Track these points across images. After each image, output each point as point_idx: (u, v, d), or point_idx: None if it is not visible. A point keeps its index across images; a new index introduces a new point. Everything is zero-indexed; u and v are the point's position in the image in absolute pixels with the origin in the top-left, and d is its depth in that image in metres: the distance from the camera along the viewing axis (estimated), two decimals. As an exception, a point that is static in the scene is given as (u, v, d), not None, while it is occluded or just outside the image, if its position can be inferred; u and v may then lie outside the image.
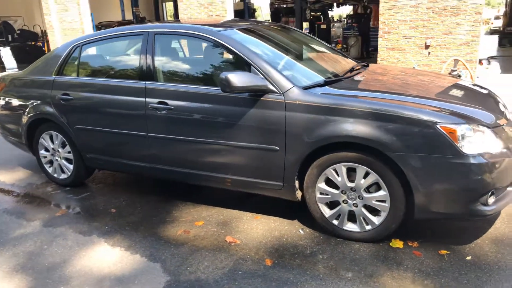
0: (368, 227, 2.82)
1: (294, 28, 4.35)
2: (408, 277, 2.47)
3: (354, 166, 2.72)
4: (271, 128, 2.87)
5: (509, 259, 2.60)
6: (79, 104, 3.68)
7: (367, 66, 3.83)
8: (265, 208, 3.44)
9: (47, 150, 4.13)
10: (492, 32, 27.85)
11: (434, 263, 2.60)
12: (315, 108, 2.75)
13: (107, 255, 2.86)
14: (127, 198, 3.80)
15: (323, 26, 16.91)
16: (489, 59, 13.50)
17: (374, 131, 2.58)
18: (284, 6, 18.61)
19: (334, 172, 2.80)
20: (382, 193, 2.70)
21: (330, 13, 22.67)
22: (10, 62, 15.06)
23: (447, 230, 2.99)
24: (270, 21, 16.84)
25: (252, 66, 2.97)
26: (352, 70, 3.53)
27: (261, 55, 3.05)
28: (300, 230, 3.07)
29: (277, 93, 2.86)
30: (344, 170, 2.76)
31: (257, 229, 3.12)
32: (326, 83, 3.03)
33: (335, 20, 21.55)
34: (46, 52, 17.81)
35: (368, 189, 2.76)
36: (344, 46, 15.41)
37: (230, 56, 3.19)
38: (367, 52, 15.23)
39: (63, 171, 4.09)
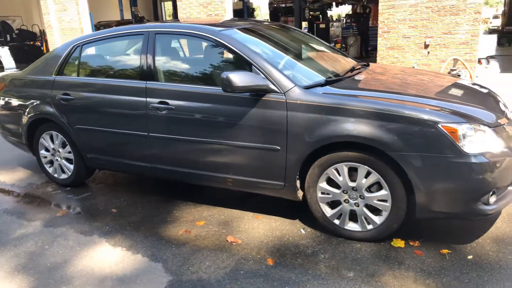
0: (370, 227, 2.82)
1: (294, 28, 4.35)
2: (410, 276, 2.48)
3: (355, 166, 2.73)
4: (272, 127, 2.87)
5: (510, 258, 2.61)
6: (79, 104, 3.67)
7: (368, 65, 3.83)
8: (266, 208, 3.44)
9: (47, 150, 4.12)
10: (491, 31, 27.88)
11: (435, 262, 2.60)
12: (317, 108, 2.75)
13: (108, 255, 2.86)
14: (128, 198, 3.80)
15: (322, 26, 16.93)
16: (488, 58, 13.52)
17: (376, 131, 2.59)
18: (283, 5, 18.61)
19: (335, 172, 2.80)
20: (383, 192, 2.70)
21: (329, 13, 22.68)
22: (9, 62, 15.04)
23: (448, 229, 2.99)
24: (269, 20, 16.84)
25: (253, 66, 2.97)
26: (352, 69, 3.53)
27: (262, 55, 3.05)
28: (302, 230, 3.07)
29: (278, 92, 2.86)
30: (345, 170, 2.76)
31: (259, 228, 3.12)
32: (327, 83, 3.03)
33: (334, 19, 21.56)
34: (45, 51, 17.82)
35: (369, 189, 2.76)
36: (343, 45, 15.42)
37: (231, 56, 3.18)
38: (366, 52, 15.25)
39: (63, 171, 4.09)
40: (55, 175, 4.14)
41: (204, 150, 3.18)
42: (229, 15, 11.07)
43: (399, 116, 2.56)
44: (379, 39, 9.22)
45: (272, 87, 2.87)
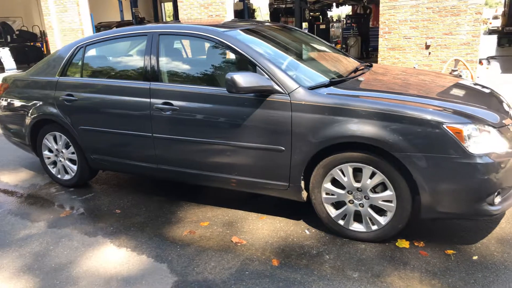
0: (374, 227, 2.83)
1: (296, 28, 4.35)
2: (415, 277, 2.48)
3: (360, 166, 2.73)
4: (276, 128, 2.88)
5: (515, 258, 2.61)
6: (83, 104, 3.68)
7: (371, 66, 3.84)
8: (270, 209, 3.45)
9: (50, 151, 4.13)
10: (491, 32, 27.89)
11: (440, 263, 2.61)
12: (321, 109, 2.76)
13: (113, 256, 2.86)
14: (132, 199, 3.80)
15: (322, 26, 16.94)
16: (489, 59, 13.53)
17: (381, 131, 2.59)
18: (283, 6, 18.62)
19: (340, 172, 2.81)
20: (388, 193, 2.70)
21: (329, 13, 22.71)
22: (9, 63, 15.04)
23: (453, 230, 3.00)
24: (269, 21, 16.85)
25: (257, 67, 2.97)
26: (356, 70, 3.54)
27: (266, 56, 3.05)
28: (306, 231, 3.07)
29: (282, 93, 2.87)
30: (350, 170, 2.77)
31: (263, 229, 3.12)
32: (331, 84, 3.04)
33: (334, 20, 21.57)
34: (45, 52, 17.84)
35: (374, 189, 2.77)
36: (344, 46, 15.43)
37: (235, 57, 3.19)
38: (367, 53, 15.26)
39: (66, 172, 4.09)
40: (59, 176, 4.14)
41: (208, 151, 3.18)
42: (230, 16, 11.08)
43: (404, 117, 2.56)
44: (380, 39, 9.22)
45: (277, 88, 2.88)
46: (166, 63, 3.42)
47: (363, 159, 2.70)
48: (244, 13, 16.40)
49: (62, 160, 4.06)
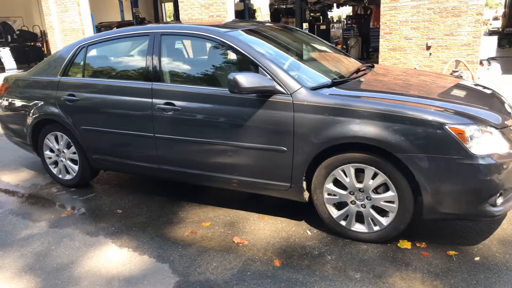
0: (376, 228, 2.83)
1: (297, 29, 4.36)
2: (417, 277, 2.48)
3: (362, 167, 2.73)
4: (279, 128, 2.88)
5: (517, 259, 2.61)
6: (84, 104, 3.68)
7: (373, 66, 3.84)
8: (272, 209, 3.44)
9: (52, 151, 4.13)
10: (491, 33, 27.91)
11: (442, 263, 2.61)
12: (323, 109, 2.76)
13: (115, 256, 2.86)
14: (133, 199, 3.80)
15: (323, 27, 16.95)
16: (489, 60, 13.54)
17: (383, 132, 2.59)
18: (284, 6, 18.64)
19: (342, 173, 2.81)
20: (390, 194, 2.70)
21: (330, 14, 22.72)
22: (10, 63, 15.05)
23: (454, 231, 3.00)
24: (270, 21, 16.86)
25: (259, 67, 2.97)
26: (358, 70, 3.54)
27: (268, 56, 3.06)
28: (308, 231, 3.07)
29: (285, 94, 2.87)
30: (352, 171, 2.77)
31: (265, 229, 3.12)
32: (333, 84, 3.03)
33: (335, 20, 21.58)
34: (46, 52, 17.84)
35: (376, 190, 2.77)
36: (344, 47, 15.44)
37: (237, 57, 3.19)
38: (367, 53, 15.26)
39: (68, 172, 4.09)
40: (60, 176, 4.14)
41: (210, 151, 3.18)
42: (231, 16, 11.09)
43: (406, 118, 2.56)
44: (381, 40, 9.23)
45: (279, 88, 2.88)
46: (168, 63, 3.42)
47: (365, 160, 2.70)
48: (244, 13, 16.41)
49: (64, 160, 4.06)
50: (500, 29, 20.51)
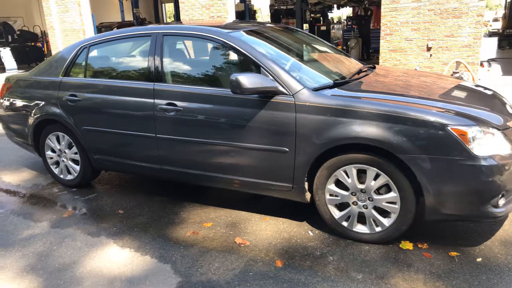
0: (378, 229, 2.83)
1: (299, 29, 4.36)
2: (419, 278, 2.48)
3: (364, 168, 2.73)
4: (281, 129, 2.88)
5: (519, 260, 2.61)
6: (86, 105, 3.68)
7: (374, 68, 3.84)
8: (273, 210, 3.45)
9: (53, 151, 4.13)
10: (491, 34, 27.93)
11: (444, 264, 2.61)
12: (325, 110, 2.76)
13: (117, 256, 2.86)
14: (134, 199, 3.80)
15: (323, 28, 16.96)
16: (490, 61, 13.55)
17: (385, 133, 2.59)
18: (284, 7, 18.66)
19: (344, 174, 2.81)
20: (392, 194, 2.71)
21: (330, 15, 22.74)
22: (10, 63, 15.05)
23: (456, 232, 3.00)
24: (271, 22, 16.87)
25: (261, 68, 2.98)
26: (360, 71, 3.54)
27: (270, 57, 3.06)
28: (309, 232, 3.07)
29: (287, 94, 2.87)
30: (354, 172, 2.77)
31: (266, 230, 3.12)
32: (335, 85, 3.04)
33: (335, 21, 21.60)
34: (46, 53, 17.84)
35: (378, 191, 2.77)
36: (344, 48, 15.45)
37: (239, 58, 3.19)
38: (368, 54, 15.27)
39: (69, 172, 4.09)
40: (61, 176, 4.14)
41: (211, 152, 3.18)
42: (231, 17, 11.09)
43: (408, 119, 2.56)
44: (381, 41, 9.23)
45: (281, 89, 2.88)
46: (170, 64, 3.42)
47: (367, 161, 2.70)
48: (245, 14, 16.42)
49: (65, 160, 4.06)
50: (500, 31, 20.55)
